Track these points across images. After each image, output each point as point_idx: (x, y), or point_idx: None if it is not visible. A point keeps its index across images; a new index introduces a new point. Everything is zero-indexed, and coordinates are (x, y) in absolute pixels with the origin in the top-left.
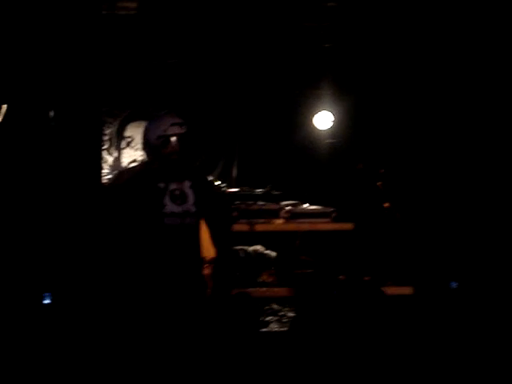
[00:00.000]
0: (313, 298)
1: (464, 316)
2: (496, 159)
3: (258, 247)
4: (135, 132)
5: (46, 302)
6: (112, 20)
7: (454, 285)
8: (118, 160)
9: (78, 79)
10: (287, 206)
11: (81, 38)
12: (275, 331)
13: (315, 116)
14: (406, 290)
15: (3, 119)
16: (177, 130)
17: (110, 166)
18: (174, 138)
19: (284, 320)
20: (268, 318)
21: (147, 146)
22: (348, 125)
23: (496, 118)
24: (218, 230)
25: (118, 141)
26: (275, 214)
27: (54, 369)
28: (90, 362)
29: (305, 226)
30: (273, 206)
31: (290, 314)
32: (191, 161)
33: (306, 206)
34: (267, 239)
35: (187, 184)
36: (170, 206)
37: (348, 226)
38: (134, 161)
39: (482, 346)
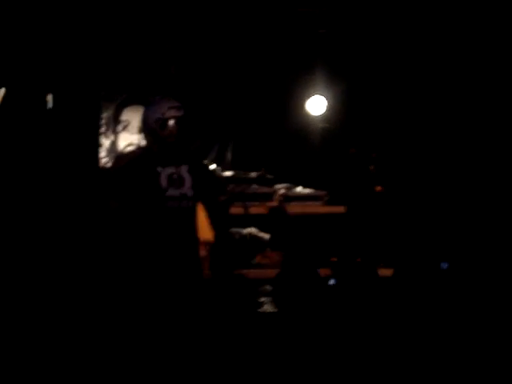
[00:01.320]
0: (305, 281)
1: (454, 298)
2: (484, 142)
3: (252, 229)
4: (131, 116)
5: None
6: (110, 3)
7: (445, 265)
8: (114, 144)
9: (76, 63)
10: (281, 189)
11: (78, 22)
12: (269, 312)
13: (309, 101)
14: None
15: (1, 103)
16: (174, 113)
17: (107, 149)
18: (171, 121)
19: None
20: (262, 300)
21: (145, 129)
22: (341, 109)
23: (482, 101)
24: (215, 212)
25: (115, 125)
26: (269, 197)
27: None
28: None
29: (298, 208)
30: (267, 190)
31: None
32: (188, 145)
33: (299, 189)
34: (261, 221)
35: (184, 168)
36: (168, 190)
37: (340, 209)
38: (130, 144)
39: (471, 331)
